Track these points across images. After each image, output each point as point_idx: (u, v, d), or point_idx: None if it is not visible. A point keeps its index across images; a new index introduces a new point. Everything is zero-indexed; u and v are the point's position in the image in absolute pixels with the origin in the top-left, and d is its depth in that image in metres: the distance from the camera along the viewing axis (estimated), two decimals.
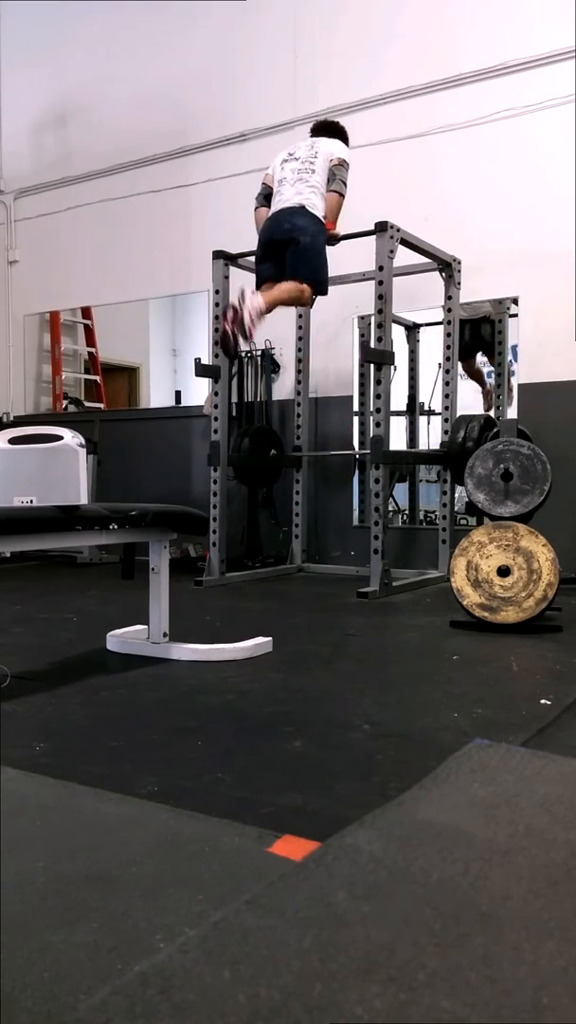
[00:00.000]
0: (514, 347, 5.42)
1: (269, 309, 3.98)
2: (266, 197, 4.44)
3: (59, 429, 2.52)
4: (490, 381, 5.79)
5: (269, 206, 4.37)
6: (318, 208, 4.19)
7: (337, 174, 4.24)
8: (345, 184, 4.25)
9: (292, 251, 4.13)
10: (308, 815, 1.49)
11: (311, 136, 4.49)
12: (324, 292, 4.26)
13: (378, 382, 4.41)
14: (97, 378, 7.46)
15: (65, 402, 7.29)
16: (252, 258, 4.79)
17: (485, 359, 5.79)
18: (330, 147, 4.33)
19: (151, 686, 2.47)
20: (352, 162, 4.35)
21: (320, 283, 4.17)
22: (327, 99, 5.56)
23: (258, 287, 4.21)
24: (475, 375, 5.85)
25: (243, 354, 5.83)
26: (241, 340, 3.92)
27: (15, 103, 7.14)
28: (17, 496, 2.45)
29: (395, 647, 3.22)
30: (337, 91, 5.52)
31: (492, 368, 5.76)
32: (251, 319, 3.85)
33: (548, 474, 3.42)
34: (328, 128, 4.51)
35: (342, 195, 4.24)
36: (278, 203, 4.29)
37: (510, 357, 5.55)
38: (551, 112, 4.87)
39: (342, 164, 4.26)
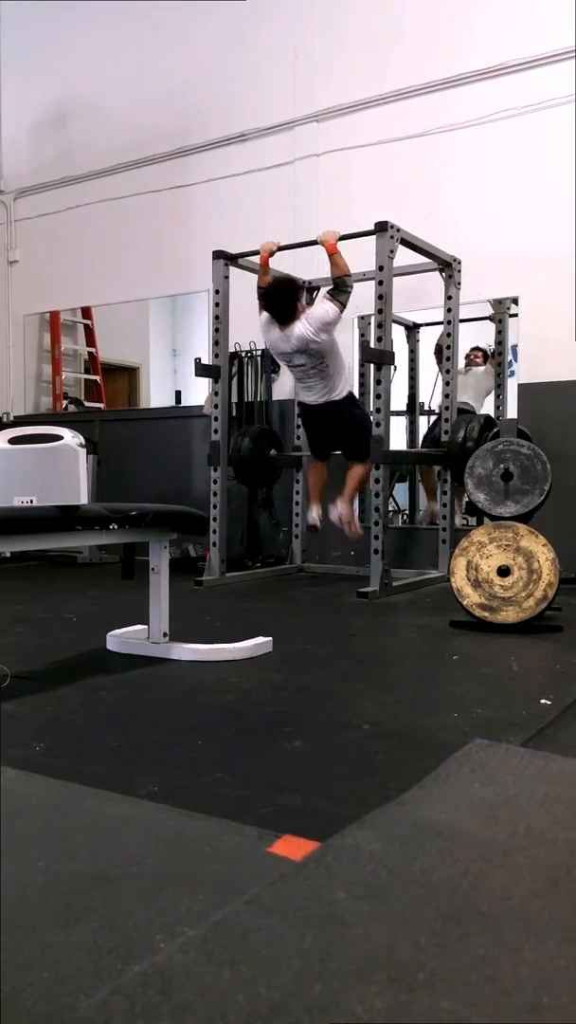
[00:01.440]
0: (514, 347, 5.42)
1: (351, 502, 4.72)
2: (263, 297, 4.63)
3: (59, 429, 2.52)
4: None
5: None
6: (342, 389, 4.61)
7: (329, 305, 4.39)
8: (342, 302, 4.39)
9: (346, 426, 4.61)
10: (308, 815, 1.49)
11: (271, 316, 4.48)
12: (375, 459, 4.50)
13: (378, 382, 4.41)
14: (97, 378, 7.47)
15: (65, 402, 7.29)
16: (252, 258, 4.80)
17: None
18: (311, 335, 4.38)
19: (151, 686, 2.47)
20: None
21: (366, 453, 4.44)
22: (327, 99, 5.57)
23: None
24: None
25: (243, 354, 5.84)
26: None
27: (15, 103, 7.13)
28: (17, 496, 2.45)
29: (395, 647, 3.22)
30: (337, 91, 5.52)
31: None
32: (350, 525, 4.67)
33: (548, 474, 3.42)
34: (284, 309, 4.45)
35: (344, 300, 4.41)
36: (306, 394, 4.68)
37: (510, 357, 5.55)
38: (551, 112, 4.87)
39: (339, 304, 4.36)
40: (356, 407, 4.76)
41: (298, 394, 4.81)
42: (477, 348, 5.76)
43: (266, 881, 1.18)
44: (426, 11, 5.25)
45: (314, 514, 4.80)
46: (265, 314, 4.52)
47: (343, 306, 4.39)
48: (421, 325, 5.93)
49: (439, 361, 5.40)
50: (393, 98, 5.36)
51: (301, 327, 4.41)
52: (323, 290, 4.80)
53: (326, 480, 4.87)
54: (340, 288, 4.38)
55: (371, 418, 4.44)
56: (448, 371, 5.00)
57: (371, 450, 4.30)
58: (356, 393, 5.66)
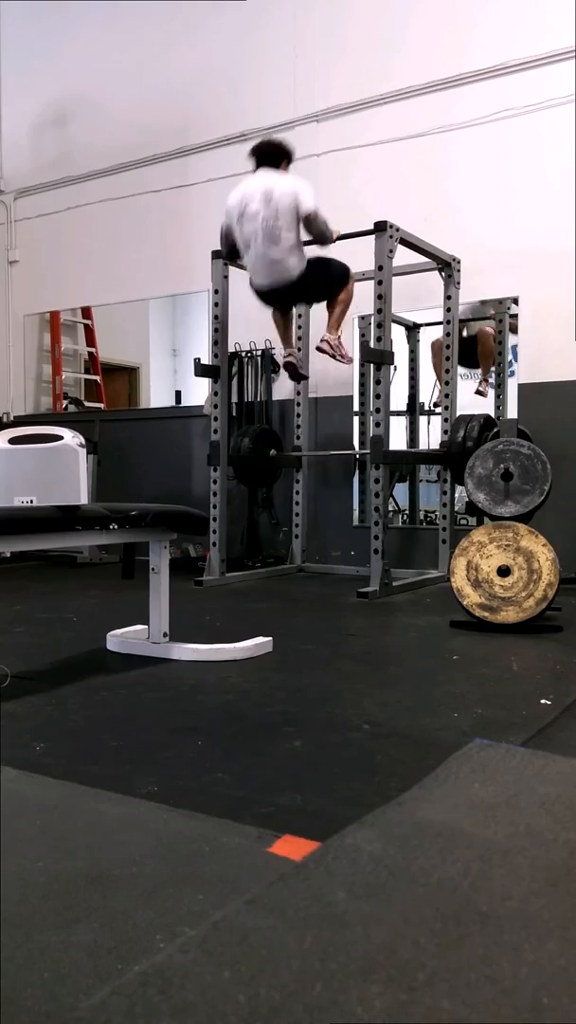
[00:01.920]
0: (514, 347, 5.42)
1: (339, 328, 4.50)
2: (230, 249, 4.55)
3: (59, 429, 2.52)
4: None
5: (233, 258, 4.54)
6: (295, 258, 4.30)
7: (315, 227, 4.27)
8: (327, 227, 4.31)
9: (307, 293, 4.47)
10: (308, 815, 1.49)
11: (254, 165, 4.39)
12: (350, 277, 4.44)
13: (378, 382, 4.41)
14: (97, 378, 7.46)
15: (65, 402, 7.28)
16: None
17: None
18: (286, 194, 4.22)
19: (151, 686, 2.47)
20: (305, 183, 4.35)
21: (341, 276, 4.34)
22: (327, 99, 5.57)
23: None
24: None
25: (243, 354, 5.84)
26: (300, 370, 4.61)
27: (15, 103, 7.13)
28: (17, 496, 2.45)
29: (395, 647, 3.22)
30: (337, 91, 5.52)
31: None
32: (339, 349, 4.46)
33: (548, 474, 3.42)
34: (270, 154, 4.37)
35: (329, 239, 4.33)
36: (254, 271, 4.39)
37: (510, 357, 5.55)
38: (551, 112, 4.87)
39: (315, 217, 4.23)
40: (311, 271, 4.36)
41: (249, 276, 4.48)
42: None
43: (266, 881, 1.18)
44: (426, 11, 5.25)
45: (286, 350, 4.73)
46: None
47: (319, 215, 4.23)
48: (421, 325, 5.93)
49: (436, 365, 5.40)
50: (393, 98, 5.36)
51: (277, 175, 4.27)
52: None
53: (290, 323, 4.84)
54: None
55: (334, 263, 4.39)
56: (448, 371, 5.01)
57: (370, 448, 4.29)
58: (356, 393, 5.68)
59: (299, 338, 5.40)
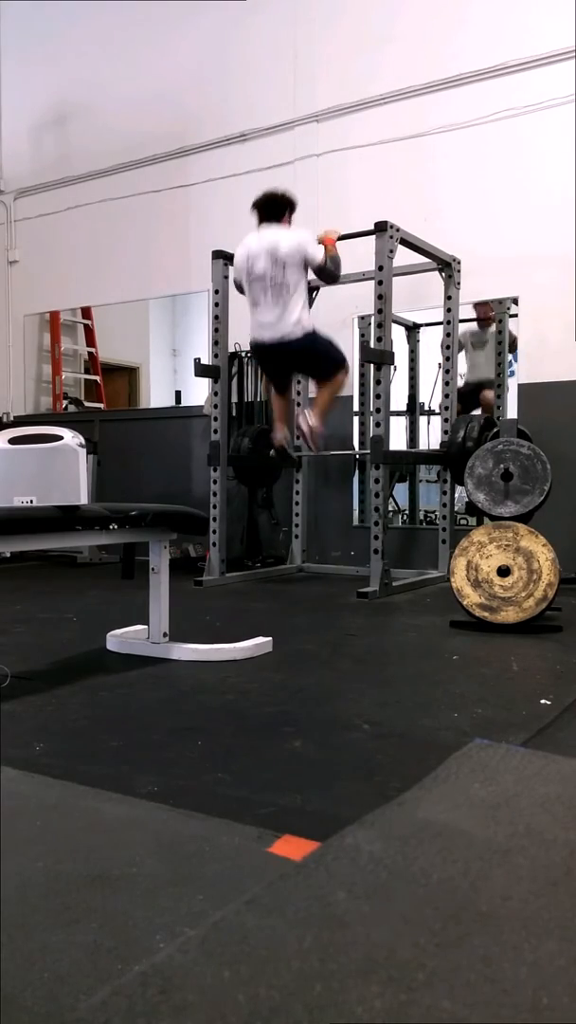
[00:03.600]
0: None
1: (323, 418, 4.45)
2: (240, 288, 4.51)
3: (59, 429, 2.52)
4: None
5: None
6: (304, 320, 4.30)
7: (328, 274, 4.28)
8: (334, 261, 4.28)
9: (305, 361, 4.42)
10: (308, 815, 1.49)
11: (257, 221, 4.37)
12: (347, 366, 4.43)
13: (378, 382, 4.41)
14: (97, 378, 7.46)
15: (65, 402, 7.28)
16: None
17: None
18: (292, 247, 4.23)
19: (151, 686, 2.47)
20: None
21: (339, 361, 4.32)
22: (327, 99, 5.57)
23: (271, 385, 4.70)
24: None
25: (243, 354, 5.84)
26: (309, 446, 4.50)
27: (15, 103, 7.14)
28: (17, 496, 2.45)
29: (395, 647, 3.22)
30: (337, 91, 5.52)
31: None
32: (314, 438, 4.40)
33: (548, 474, 3.42)
34: (273, 208, 4.34)
35: (337, 269, 4.30)
36: (262, 335, 4.35)
37: (510, 357, 5.55)
38: (551, 112, 4.87)
39: (324, 265, 4.24)
40: (315, 340, 4.37)
41: (252, 329, 4.44)
42: (484, 303, 5.60)
43: (266, 881, 1.18)
44: (426, 11, 5.25)
45: (279, 435, 4.61)
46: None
47: (327, 263, 4.24)
48: (421, 325, 5.93)
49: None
50: (393, 98, 5.36)
51: (281, 230, 4.27)
52: (322, 290, 4.79)
53: (290, 409, 4.75)
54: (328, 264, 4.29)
55: (333, 341, 4.37)
56: (448, 371, 5.01)
57: (370, 448, 4.29)
58: (356, 393, 5.68)
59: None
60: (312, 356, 4.40)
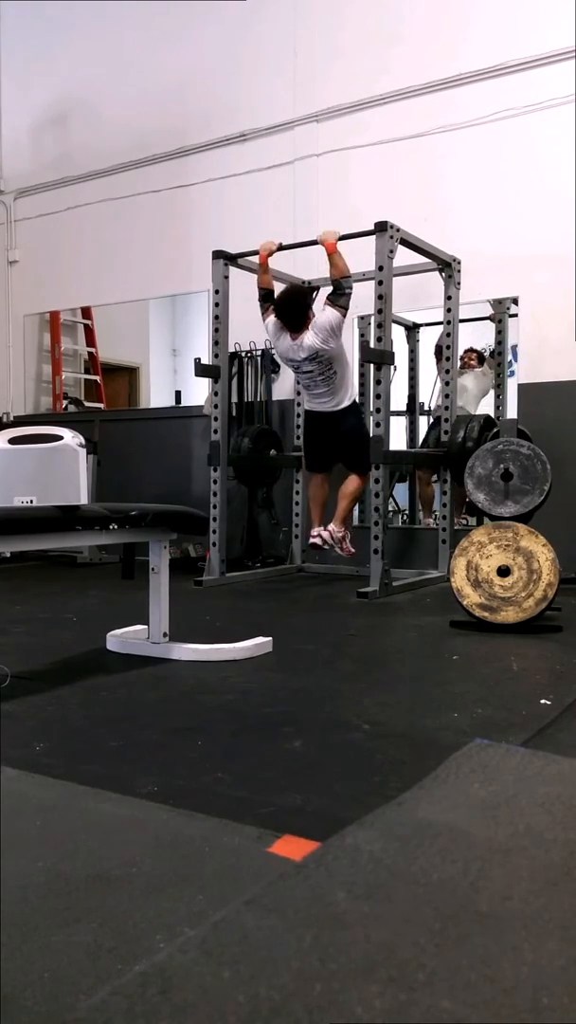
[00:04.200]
0: (514, 347, 5.42)
1: (346, 520, 4.73)
2: (264, 298, 4.65)
3: (59, 429, 2.53)
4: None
5: (272, 305, 4.60)
6: (347, 396, 4.67)
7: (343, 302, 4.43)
8: (344, 305, 4.44)
9: (347, 447, 4.66)
10: (308, 815, 1.49)
11: (282, 324, 4.52)
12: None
13: (378, 382, 4.41)
14: (97, 378, 7.46)
15: (65, 402, 7.29)
16: (252, 258, 4.80)
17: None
18: (322, 341, 4.43)
19: (151, 686, 2.47)
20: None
21: (367, 466, 4.42)
22: (327, 99, 5.57)
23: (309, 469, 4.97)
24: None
25: (243, 354, 5.84)
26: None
27: (15, 103, 7.14)
28: (17, 496, 2.46)
29: (395, 647, 3.22)
30: (337, 91, 5.52)
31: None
32: (345, 544, 4.69)
33: (548, 474, 3.42)
34: (299, 316, 4.50)
35: (346, 303, 4.46)
36: (313, 401, 4.70)
37: (510, 357, 5.55)
38: (551, 112, 4.87)
39: (342, 305, 4.41)
40: (359, 417, 4.78)
41: (304, 401, 4.84)
42: (471, 350, 5.74)
43: (266, 881, 1.18)
44: (426, 11, 5.25)
45: (315, 532, 4.70)
46: (273, 319, 4.55)
47: (345, 309, 4.43)
48: (421, 325, 5.93)
49: (439, 361, 5.40)
50: (393, 98, 5.36)
51: (311, 337, 4.45)
52: (323, 291, 4.81)
53: (327, 493, 4.84)
54: (339, 291, 4.40)
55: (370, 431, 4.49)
56: (448, 371, 5.01)
57: (371, 453, 4.30)
58: (356, 393, 5.68)
59: None
60: (356, 436, 4.63)
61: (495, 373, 5.73)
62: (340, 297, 4.40)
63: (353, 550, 4.72)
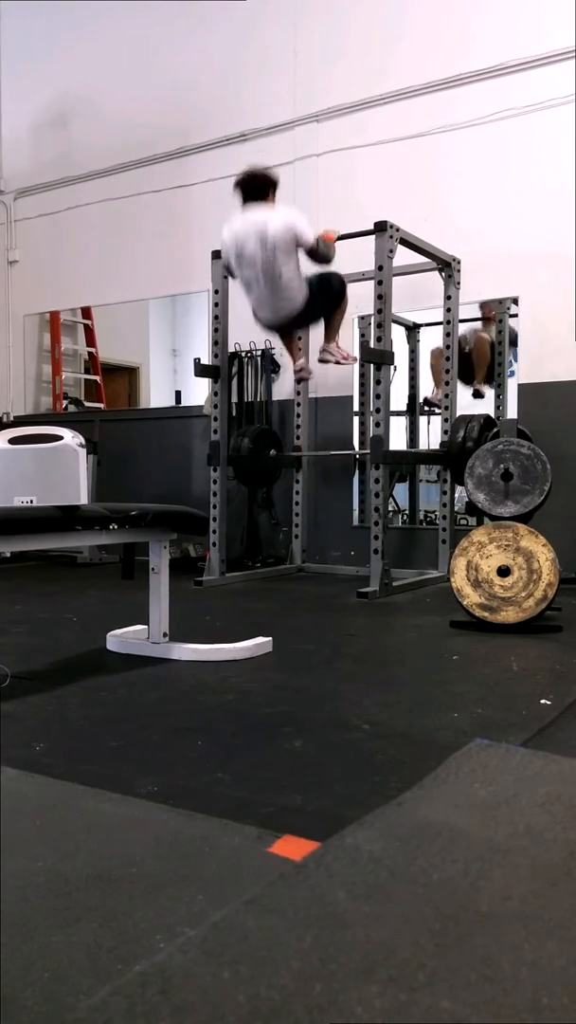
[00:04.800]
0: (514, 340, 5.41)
1: (337, 337, 4.55)
2: (228, 268, 4.49)
3: (59, 429, 2.53)
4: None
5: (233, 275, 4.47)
6: (298, 289, 4.25)
7: (320, 255, 4.20)
8: (328, 246, 4.22)
9: (309, 318, 4.47)
10: (308, 815, 1.49)
11: (241, 200, 4.28)
12: (346, 287, 4.41)
13: (378, 382, 4.41)
14: (97, 378, 7.46)
15: (65, 402, 7.28)
16: None
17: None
18: (281, 228, 4.13)
19: (151, 686, 2.47)
20: (295, 213, 4.28)
21: (338, 291, 4.31)
22: (327, 99, 5.57)
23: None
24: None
25: (243, 354, 5.84)
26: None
27: (15, 103, 7.13)
28: (17, 496, 2.46)
29: (395, 647, 3.22)
30: (337, 91, 5.52)
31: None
32: (344, 353, 4.54)
33: (548, 474, 3.42)
34: (256, 187, 4.26)
35: (330, 250, 4.23)
36: (259, 308, 4.35)
37: (510, 357, 5.54)
38: (551, 112, 4.87)
39: (316, 246, 4.15)
40: (312, 296, 4.31)
41: (251, 305, 4.42)
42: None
43: (266, 881, 1.18)
44: (426, 11, 5.25)
45: (323, 349, 4.58)
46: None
47: (319, 244, 4.16)
48: (421, 325, 5.93)
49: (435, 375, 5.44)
50: (393, 98, 5.36)
51: (267, 210, 4.18)
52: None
53: (295, 339, 4.88)
54: (315, 254, 4.21)
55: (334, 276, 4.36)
56: (448, 371, 5.00)
57: (370, 448, 4.29)
58: (356, 393, 5.68)
59: (299, 338, 5.40)
60: (316, 310, 4.38)
61: (496, 373, 5.72)
62: (314, 255, 4.21)
63: (353, 355, 4.74)
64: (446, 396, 5.01)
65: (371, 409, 4.96)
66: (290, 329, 4.65)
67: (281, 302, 4.27)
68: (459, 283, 4.95)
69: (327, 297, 4.37)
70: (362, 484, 5.63)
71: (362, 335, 5.63)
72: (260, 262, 4.19)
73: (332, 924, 1.05)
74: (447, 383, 5.02)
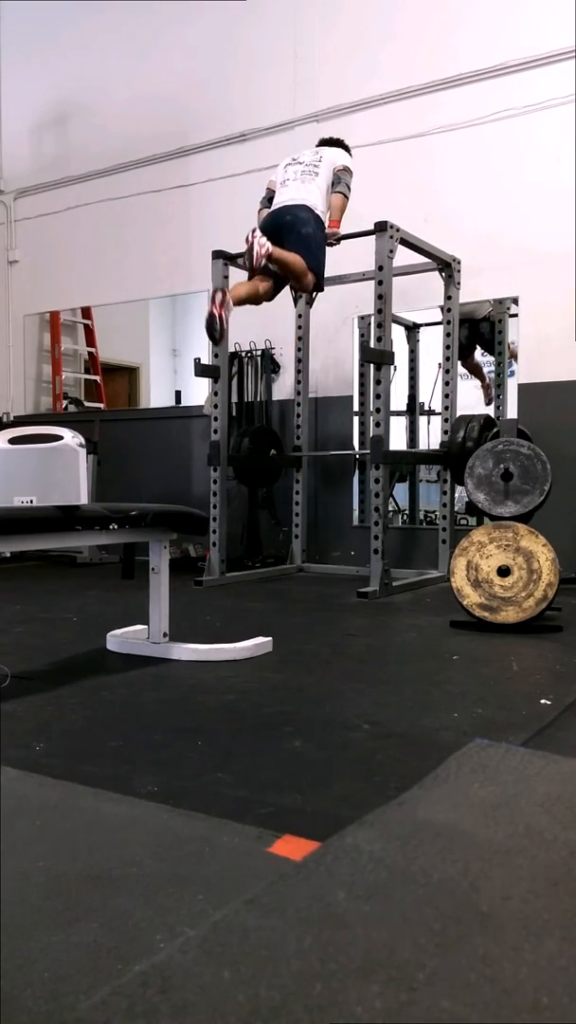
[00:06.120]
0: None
1: (271, 259, 4.10)
2: (269, 200, 4.53)
3: (59, 429, 2.52)
4: (489, 375, 5.81)
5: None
6: (319, 208, 4.34)
7: (343, 178, 4.41)
8: (350, 188, 4.41)
9: (294, 236, 4.26)
10: (308, 815, 1.49)
11: (317, 146, 4.64)
12: (322, 287, 4.39)
13: (378, 382, 4.41)
14: (97, 378, 7.46)
15: (65, 402, 7.29)
16: None
17: (487, 357, 5.80)
18: (334, 155, 4.49)
19: (151, 686, 2.47)
20: (354, 166, 4.44)
21: (319, 274, 4.28)
22: (327, 99, 5.57)
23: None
24: (474, 370, 5.86)
25: (243, 354, 5.84)
26: (225, 317, 4.11)
27: (15, 103, 7.14)
28: (17, 496, 2.45)
29: (395, 647, 3.22)
30: (337, 91, 5.52)
31: (492, 361, 5.78)
32: (257, 256, 4.03)
33: (548, 474, 3.42)
34: (332, 141, 4.66)
35: (347, 197, 4.41)
36: (280, 201, 4.39)
37: (510, 357, 5.55)
38: (551, 112, 4.87)
39: (347, 170, 4.44)
40: (321, 228, 4.32)
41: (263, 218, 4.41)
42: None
43: (266, 881, 1.18)
44: (426, 11, 5.25)
45: (221, 300, 4.12)
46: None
47: (347, 182, 4.41)
48: (421, 325, 5.93)
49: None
50: (393, 98, 5.36)
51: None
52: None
53: (253, 299, 4.39)
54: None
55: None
56: (448, 371, 5.01)
57: (370, 448, 4.29)
58: (356, 393, 5.68)
59: (299, 338, 5.40)
60: (305, 238, 4.23)
61: (496, 372, 5.73)
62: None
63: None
64: (446, 396, 5.01)
65: (371, 409, 4.96)
66: (284, 232, 4.27)
67: (302, 191, 4.36)
68: (459, 283, 4.95)
69: (307, 253, 4.20)
70: (362, 484, 5.64)
71: (362, 335, 5.63)
72: (307, 164, 4.44)
73: (332, 924, 1.05)
74: (447, 383, 5.02)
